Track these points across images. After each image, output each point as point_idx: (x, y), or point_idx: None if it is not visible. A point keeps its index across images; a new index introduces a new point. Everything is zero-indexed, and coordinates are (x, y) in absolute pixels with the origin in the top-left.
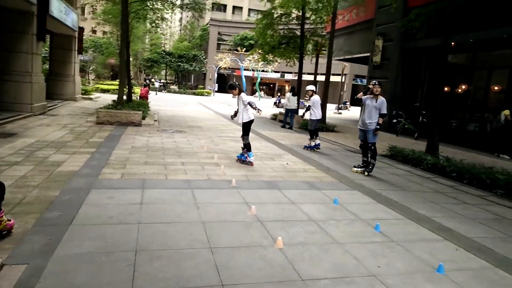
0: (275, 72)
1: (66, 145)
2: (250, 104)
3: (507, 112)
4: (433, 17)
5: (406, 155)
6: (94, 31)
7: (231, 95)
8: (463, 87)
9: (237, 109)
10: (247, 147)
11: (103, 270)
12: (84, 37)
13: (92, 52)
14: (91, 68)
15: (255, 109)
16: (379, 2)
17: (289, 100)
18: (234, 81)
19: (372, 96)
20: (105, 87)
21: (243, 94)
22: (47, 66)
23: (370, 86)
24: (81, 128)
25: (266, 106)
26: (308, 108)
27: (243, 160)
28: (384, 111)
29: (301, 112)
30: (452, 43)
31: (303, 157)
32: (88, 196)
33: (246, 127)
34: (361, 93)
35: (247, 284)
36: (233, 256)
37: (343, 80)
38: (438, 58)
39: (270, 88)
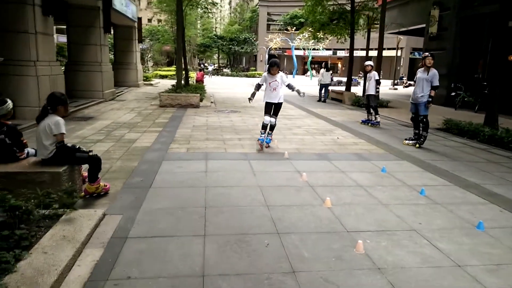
0: (327, 49)
1: (137, 125)
2: (291, 86)
3: None
4: None
5: (462, 128)
6: (149, 20)
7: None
8: None
9: (255, 92)
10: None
11: (181, 220)
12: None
13: (149, 41)
14: (149, 56)
15: (299, 93)
16: None
17: (323, 76)
18: (285, 61)
19: (424, 68)
20: (163, 73)
21: (283, 74)
22: (112, 56)
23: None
24: (147, 110)
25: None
26: (378, 82)
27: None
28: (436, 83)
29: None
30: None
31: (354, 131)
32: (161, 166)
33: (279, 107)
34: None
35: (298, 233)
36: (286, 212)
37: (399, 54)
38: (499, 25)
39: (323, 67)
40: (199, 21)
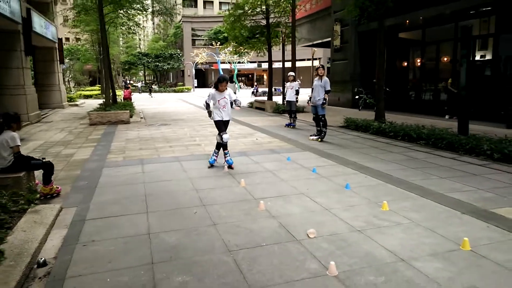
0: (251, 62)
1: (71, 143)
2: (236, 102)
3: (450, 81)
4: (366, 7)
5: (358, 124)
6: (67, 39)
7: (209, 89)
8: (417, 60)
9: (209, 111)
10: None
11: (127, 205)
12: None
13: (69, 60)
14: (70, 76)
15: (238, 105)
16: None
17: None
18: (212, 75)
19: (318, 77)
20: (87, 93)
21: (231, 90)
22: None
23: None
24: (77, 129)
25: (244, 96)
26: (297, 92)
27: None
28: (328, 88)
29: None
30: (387, 24)
31: (271, 133)
32: (102, 172)
33: (227, 124)
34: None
35: (219, 204)
36: (211, 192)
37: (316, 64)
38: (378, 38)
39: (249, 79)
40: (121, 38)
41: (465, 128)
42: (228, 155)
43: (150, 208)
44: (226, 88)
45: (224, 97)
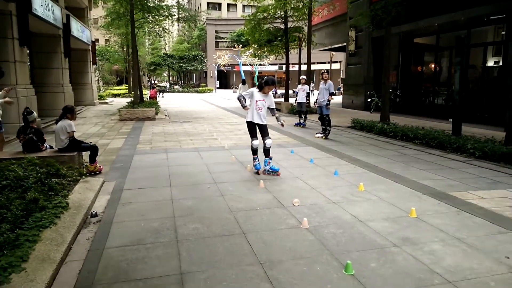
0: (272, 64)
1: (105, 135)
2: (272, 110)
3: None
4: (375, 15)
5: (363, 124)
6: (97, 40)
7: (231, 90)
8: (430, 65)
9: (246, 103)
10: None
11: (154, 181)
12: None
13: (99, 61)
14: (99, 75)
15: (278, 121)
16: None
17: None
18: (234, 76)
19: (323, 81)
20: (115, 92)
21: (271, 95)
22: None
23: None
24: (109, 124)
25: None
26: (308, 94)
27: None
28: (332, 90)
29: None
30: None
31: (282, 131)
32: (133, 158)
33: (266, 128)
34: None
35: (228, 182)
36: (222, 174)
37: (337, 67)
38: (385, 44)
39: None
40: (147, 40)
41: (458, 130)
42: (257, 159)
43: (172, 183)
44: (268, 92)
45: (264, 100)
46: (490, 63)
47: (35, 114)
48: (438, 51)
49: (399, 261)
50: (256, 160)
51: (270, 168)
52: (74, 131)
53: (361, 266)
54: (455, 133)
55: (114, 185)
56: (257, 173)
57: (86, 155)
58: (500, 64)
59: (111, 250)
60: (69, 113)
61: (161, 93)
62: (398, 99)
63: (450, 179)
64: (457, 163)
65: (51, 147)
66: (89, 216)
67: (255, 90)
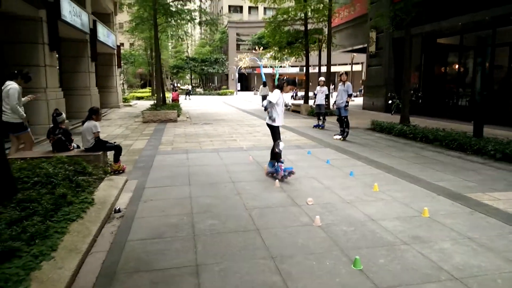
0: (293, 66)
1: (129, 136)
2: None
3: None
4: (396, 16)
5: (382, 126)
6: (122, 44)
7: (251, 92)
8: (454, 66)
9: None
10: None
11: (174, 180)
12: None
13: (123, 64)
14: (124, 79)
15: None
16: None
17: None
18: (255, 79)
19: (342, 83)
20: (139, 95)
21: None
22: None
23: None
24: (133, 126)
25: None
26: (327, 96)
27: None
28: (350, 92)
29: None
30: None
31: (300, 133)
32: (155, 158)
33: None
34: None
35: (244, 182)
36: (239, 173)
37: (359, 69)
38: (405, 45)
39: (294, 81)
40: (170, 43)
41: (480, 131)
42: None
43: (192, 182)
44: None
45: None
46: None
47: (63, 115)
48: (462, 52)
49: (408, 258)
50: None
51: (288, 168)
52: (99, 131)
53: (369, 262)
54: (477, 134)
55: (136, 183)
56: (292, 174)
57: (110, 154)
58: None
59: (132, 243)
60: (94, 114)
61: (187, 96)
62: (420, 101)
63: (467, 180)
64: (475, 165)
65: (78, 147)
66: (113, 212)
67: (278, 92)
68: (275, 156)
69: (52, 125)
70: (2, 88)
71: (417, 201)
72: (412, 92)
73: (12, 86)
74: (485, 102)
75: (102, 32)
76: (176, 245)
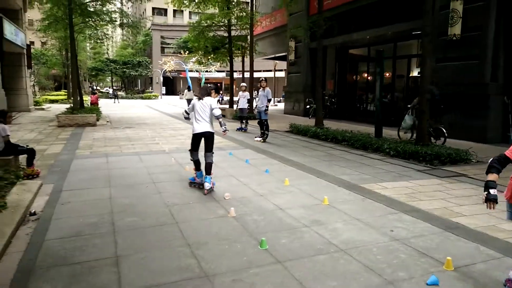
0: (219, 71)
1: (42, 141)
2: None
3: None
4: (310, 28)
5: (299, 129)
6: (32, 42)
7: (177, 96)
8: (363, 74)
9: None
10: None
11: (94, 182)
12: None
13: (34, 65)
14: (35, 80)
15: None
16: (290, 9)
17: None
18: (181, 83)
19: (261, 88)
20: (53, 97)
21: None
22: None
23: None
24: (46, 130)
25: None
26: (249, 101)
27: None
28: (270, 97)
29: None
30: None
31: (222, 135)
32: (73, 162)
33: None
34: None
35: (166, 182)
36: (160, 174)
37: (283, 75)
38: (318, 55)
39: (218, 87)
40: (88, 44)
41: (380, 132)
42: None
43: (112, 184)
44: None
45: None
46: (415, 73)
47: None
48: (369, 62)
49: (306, 238)
50: (200, 175)
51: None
52: (9, 135)
53: (274, 243)
54: (377, 135)
55: (52, 187)
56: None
57: (23, 159)
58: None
59: (50, 242)
60: (2, 117)
61: (116, 99)
62: (334, 106)
63: (364, 173)
64: (373, 161)
65: None
66: (28, 215)
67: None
68: (205, 168)
69: None
70: None
71: (320, 192)
72: (327, 97)
73: None
74: (382, 107)
75: (10, 30)
76: (95, 241)
